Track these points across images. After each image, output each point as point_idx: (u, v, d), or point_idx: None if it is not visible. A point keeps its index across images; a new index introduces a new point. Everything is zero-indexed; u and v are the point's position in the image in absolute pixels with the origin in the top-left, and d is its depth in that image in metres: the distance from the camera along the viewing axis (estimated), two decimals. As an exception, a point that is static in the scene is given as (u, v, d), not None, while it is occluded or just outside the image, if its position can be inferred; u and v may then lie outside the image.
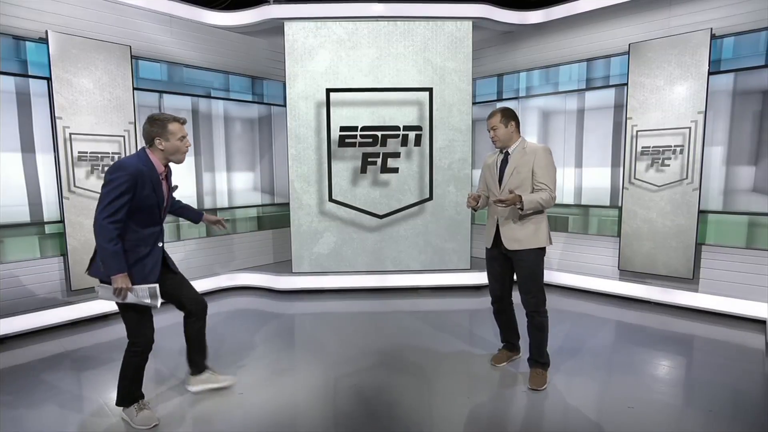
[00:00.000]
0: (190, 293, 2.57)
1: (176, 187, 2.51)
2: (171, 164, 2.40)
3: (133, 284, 2.18)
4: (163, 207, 2.36)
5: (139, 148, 2.32)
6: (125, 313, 2.27)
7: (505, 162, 2.77)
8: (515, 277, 2.82)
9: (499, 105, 2.92)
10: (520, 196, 2.55)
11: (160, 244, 2.36)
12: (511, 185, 2.68)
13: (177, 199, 2.68)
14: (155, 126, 2.25)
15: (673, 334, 3.63)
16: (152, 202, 2.24)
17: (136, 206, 2.18)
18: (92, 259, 2.28)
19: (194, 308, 2.57)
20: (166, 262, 2.45)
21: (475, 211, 2.93)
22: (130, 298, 2.17)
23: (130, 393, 2.36)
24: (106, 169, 3.95)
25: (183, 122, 2.32)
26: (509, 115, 2.72)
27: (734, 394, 2.67)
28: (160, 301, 2.23)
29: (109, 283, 2.15)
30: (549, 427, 2.36)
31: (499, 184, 2.76)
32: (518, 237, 2.69)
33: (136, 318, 2.28)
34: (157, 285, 2.23)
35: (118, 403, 2.37)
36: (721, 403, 2.55)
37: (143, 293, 2.18)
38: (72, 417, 2.46)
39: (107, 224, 2.09)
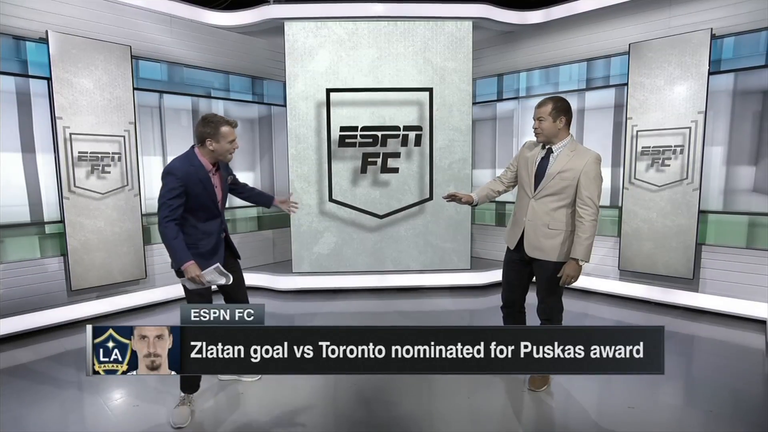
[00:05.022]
0: (241, 297, 2.65)
1: (233, 176, 2.61)
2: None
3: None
4: (218, 200, 2.44)
5: (189, 147, 2.44)
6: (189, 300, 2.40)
7: (545, 160, 2.48)
8: (534, 280, 2.63)
9: (554, 94, 2.49)
10: (575, 260, 2.37)
11: (222, 235, 2.50)
12: (551, 189, 2.43)
13: (248, 185, 2.78)
14: (208, 127, 2.31)
15: (674, 334, 3.63)
16: (205, 199, 2.36)
17: (191, 205, 2.32)
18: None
19: None
20: (231, 251, 2.57)
21: (472, 205, 2.70)
22: (206, 282, 2.30)
23: (182, 380, 2.46)
24: (106, 169, 4.00)
25: (234, 125, 2.38)
26: (561, 109, 2.40)
27: (734, 394, 2.67)
28: (229, 276, 2.37)
29: (182, 275, 2.29)
30: (549, 427, 2.36)
31: (535, 186, 2.49)
32: (543, 246, 2.47)
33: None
34: (218, 264, 2.35)
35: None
36: (721, 403, 2.55)
37: (211, 276, 2.32)
38: (72, 417, 2.46)
39: (167, 223, 2.24)
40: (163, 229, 2.24)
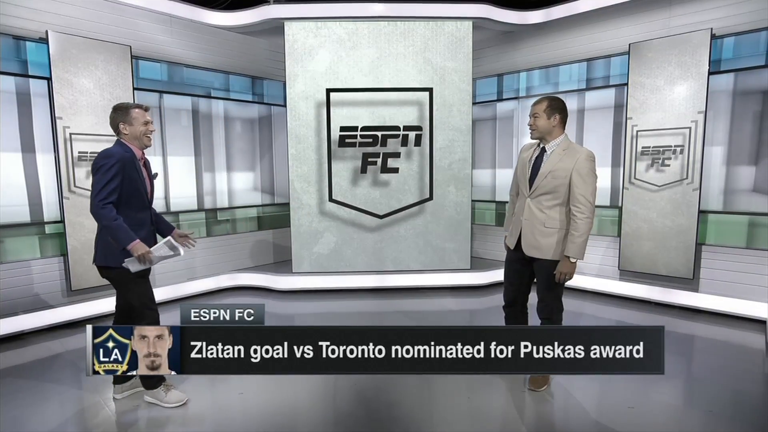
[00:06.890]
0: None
1: (156, 174, 2.59)
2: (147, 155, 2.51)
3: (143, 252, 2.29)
4: (148, 191, 2.46)
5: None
6: (128, 293, 2.39)
7: (539, 159, 2.52)
8: (535, 280, 2.65)
9: (551, 94, 2.62)
10: (568, 258, 2.40)
11: (152, 227, 2.50)
12: (544, 188, 2.47)
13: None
14: (119, 112, 2.37)
15: (674, 334, 3.63)
16: (139, 185, 2.38)
17: (126, 191, 2.31)
18: (96, 249, 2.41)
19: None
20: None
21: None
22: (155, 259, 2.30)
23: (144, 379, 2.49)
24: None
25: (146, 109, 2.43)
26: (556, 107, 2.45)
27: (734, 394, 2.67)
28: (181, 248, 2.36)
29: (126, 258, 2.27)
30: (549, 427, 2.36)
31: (529, 185, 2.53)
32: (539, 245, 2.49)
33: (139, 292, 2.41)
34: (169, 237, 2.36)
35: (146, 387, 2.53)
36: (721, 403, 2.55)
37: (162, 250, 2.29)
38: (72, 417, 2.46)
39: (103, 206, 2.22)
40: (101, 211, 2.21)
